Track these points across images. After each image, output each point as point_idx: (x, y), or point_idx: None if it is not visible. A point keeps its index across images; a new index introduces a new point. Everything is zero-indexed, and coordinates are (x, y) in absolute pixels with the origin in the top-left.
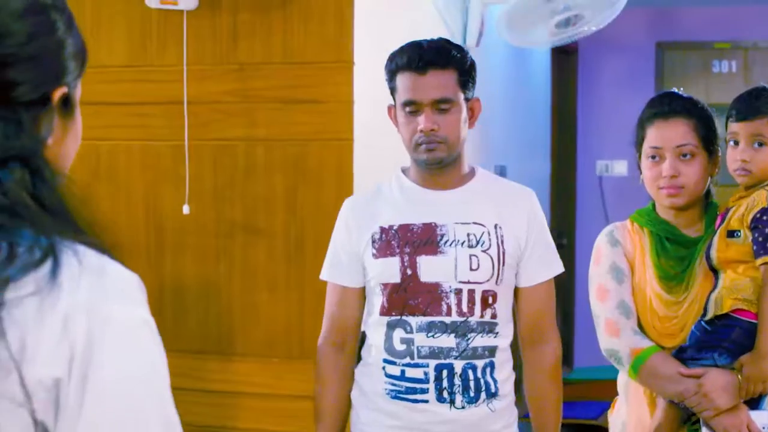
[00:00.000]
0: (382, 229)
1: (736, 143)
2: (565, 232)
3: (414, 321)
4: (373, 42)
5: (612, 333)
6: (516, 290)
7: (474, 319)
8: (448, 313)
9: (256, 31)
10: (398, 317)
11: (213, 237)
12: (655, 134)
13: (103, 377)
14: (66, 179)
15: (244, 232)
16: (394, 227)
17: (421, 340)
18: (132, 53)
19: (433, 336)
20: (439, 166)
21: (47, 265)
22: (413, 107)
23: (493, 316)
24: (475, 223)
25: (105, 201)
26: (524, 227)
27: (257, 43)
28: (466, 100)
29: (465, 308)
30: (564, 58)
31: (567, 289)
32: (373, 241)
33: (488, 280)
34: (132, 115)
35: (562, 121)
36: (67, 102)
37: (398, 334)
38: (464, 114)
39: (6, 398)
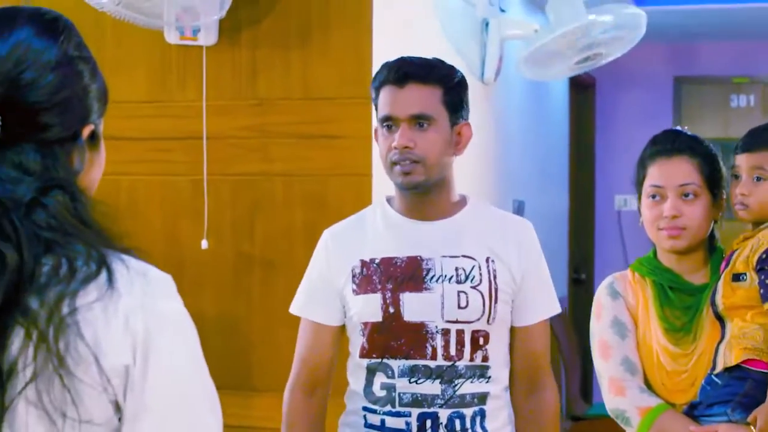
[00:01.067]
0: (363, 263)
1: (738, 177)
2: (584, 266)
3: (396, 364)
4: None
5: (617, 392)
6: (510, 330)
7: (462, 363)
8: (433, 357)
9: (275, 67)
10: (379, 360)
11: (232, 272)
12: (656, 172)
13: (159, 359)
14: (96, 202)
15: (263, 267)
16: (376, 261)
17: (402, 386)
18: (152, 89)
19: (416, 381)
20: (418, 191)
21: (103, 275)
22: (390, 122)
23: (485, 358)
24: (464, 256)
25: (124, 235)
26: (519, 261)
27: (276, 78)
28: (453, 123)
29: (453, 351)
30: (582, 92)
31: (586, 323)
32: (354, 276)
33: (479, 319)
34: (151, 150)
35: (580, 155)
36: (93, 136)
37: (379, 378)
38: (447, 136)
39: (90, 385)
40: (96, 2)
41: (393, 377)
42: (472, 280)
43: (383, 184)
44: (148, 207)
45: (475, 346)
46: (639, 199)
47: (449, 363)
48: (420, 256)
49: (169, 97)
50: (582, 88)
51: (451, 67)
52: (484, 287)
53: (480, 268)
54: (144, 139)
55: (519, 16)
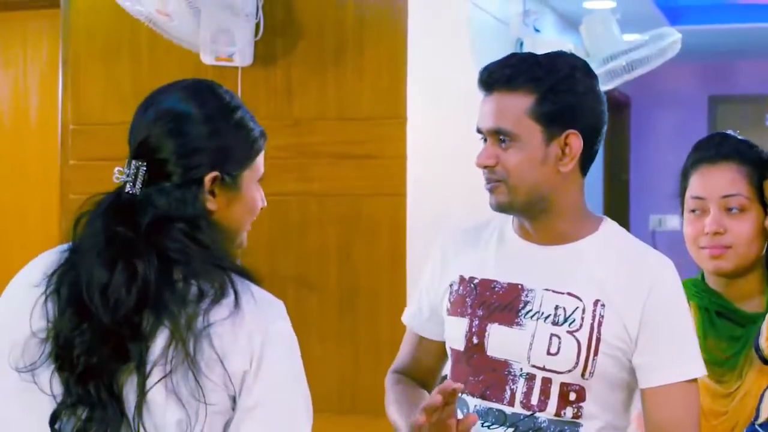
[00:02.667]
0: (462, 280)
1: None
2: None
3: (472, 403)
4: (426, 97)
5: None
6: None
7: (544, 416)
8: (511, 402)
9: (310, 87)
10: (459, 395)
11: (266, 290)
12: (698, 182)
13: (269, 367)
14: (225, 233)
15: (297, 285)
16: (476, 280)
17: (475, 428)
18: None
19: (488, 426)
20: (511, 213)
21: (231, 297)
22: (481, 136)
23: (576, 416)
24: (569, 294)
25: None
26: (640, 309)
27: (311, 98)
28: (551, 136)
29: (534, 400)
30: (617, 111)
31: None
32: (451, 293)
33: (570, 371)
34: None
35: (614, 175)
36: (223, 181)
37: (457, 415)
38: (537, 153)
39: (215, 382)
40: (137, 11)
41: None
42: (570, 323)
43: (418, 204)
44: None
45: (564, 401)
46: (682, 214)
47: (528, 413)
48: (522, 285)
49: None
50: (617, 107)
51: (557, 66)
52: (582, 335)
53: (584, 311)
54: None
55: (553, 36)
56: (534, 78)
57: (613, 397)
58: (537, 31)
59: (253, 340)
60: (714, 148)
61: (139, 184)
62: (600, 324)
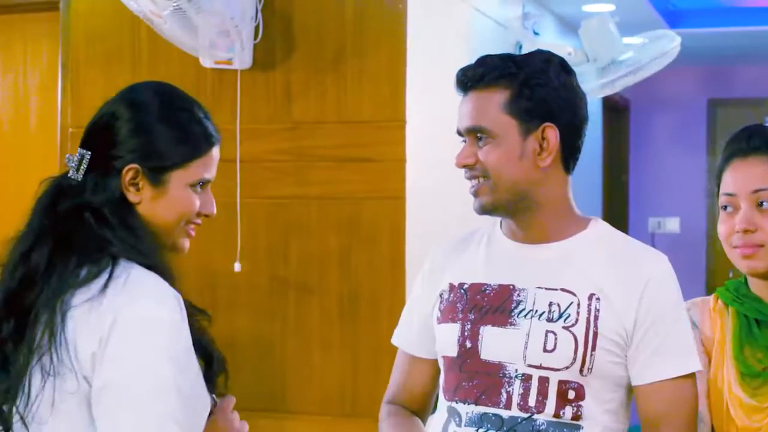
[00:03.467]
0: (451, 287)
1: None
2: None
3: (464, 410)
4: (426, 101)
5: None
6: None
7: (543, 418)
8: (507, 405)
9: (309, 91)
10: (450, 403)
11: (266, 295)
12: (729, 178)
13: (115, 348)
14: (152, 229)
15: (297, 290)
16: (465, 286)
17: None
18: None
19: None
20: (496, 215)
21: (102, 280)
22: (462, 138)
23: (576, 416)
24: (563, 290)
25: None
26: (638, 304)
27: (311, 102)
28: (528, 130)
29: (532, 401)
30: (616, 114)
31: None
32: (441, 301)
33: (567, 368)
34: None
35: (613, 177)
36: (147, 175)
37: (449, 425)
38: (515, 148)
39: (67, 364)
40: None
41: (460, 425)
42: (566, 319)
43: (418, 207)
44: None
45: (562, 400)
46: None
47: (525, 415)
48: (513, 285)
49: None
50: (616, 110)
51: (531, 61)
52: (579, 329)
53: (579, 305)
54: None
55: (552, 39)
56: (507, 73)
57: (610, 396)
58: (536, 34)
59: (104, 321)
60: (745, 141)
61: (81, 171)
62: (596, 318)
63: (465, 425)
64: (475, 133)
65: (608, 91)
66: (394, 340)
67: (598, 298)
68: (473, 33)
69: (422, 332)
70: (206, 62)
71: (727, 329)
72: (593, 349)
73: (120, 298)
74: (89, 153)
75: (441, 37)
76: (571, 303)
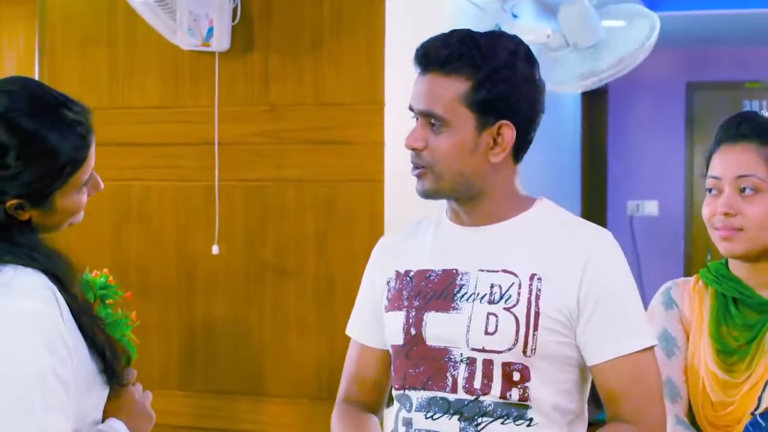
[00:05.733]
0: (398, 275)
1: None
2: None
3: (414, 396)
4: (405, 84)
5: None
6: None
7: (489, 399)
8: (453, 389)
9: (287, 73)
10: (401, 391)
11: (243, 278)
12: (717, 161)
13: None
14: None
15: (275, 273)
16: (411, 273)
17: (418, 421)
18: (164, 95)
19: (431, 417)
20: (434, 198)
21: None
22: (413, 114)
23: (523, 398)
24: (504, 271)
25: (136, 240)
26: (580, 282)
27: (288, 84)
28: (484, 125)
29: (477, 384)
30: (594, 98)
31: None
32: (389, 290)
33: (509, 349)
34: (163, 156)
35: (592, 161)
36: (39, 202)
37: (400, 413)
38: (468, 142)
39: None
40: None
41: (411, 411)
42: (506, 300)
43: (396, 190)
44: (159, 212)
45: (508, 382)
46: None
47: (471, 398)
48: (456, 270)
49: (181, 103)
50: (594, 94)
51: (497, 51)
52: (519, 310)
53: (520, 286)
54: (156, 145)
55: (531, 22)
56: (471, 63)
57: (561, 376)
58: (515, 17)
59: None
60: (735, 127)
61: None
62: (538, 298)
63: (415, 410)
64: (428, 118)
65: (590, 86)
66: (348, 330)
67: (539, 278)
68: (452, 15)
69: (372, 321)
70: (184, 44)
71: (706, 308)
72: (535, 329)
73: None
74: None
75: (419, 20)
76: (512, 284)
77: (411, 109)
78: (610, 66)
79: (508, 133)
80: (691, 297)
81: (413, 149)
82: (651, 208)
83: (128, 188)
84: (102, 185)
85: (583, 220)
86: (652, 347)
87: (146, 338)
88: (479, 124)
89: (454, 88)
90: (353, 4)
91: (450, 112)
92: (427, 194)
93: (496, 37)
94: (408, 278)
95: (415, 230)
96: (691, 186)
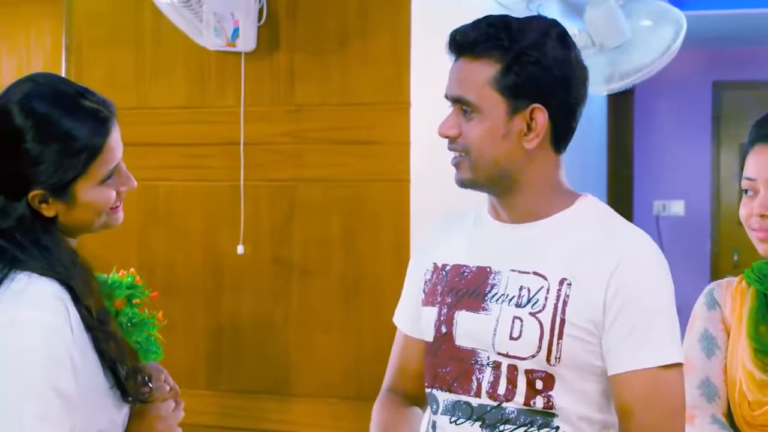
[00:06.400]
0: (435, 268)
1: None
2: None
3: (441, 398)
4: (430, 83)
5: (686, 418)
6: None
7: (513, 406)
8: (477, 393)
9: (312, 73)
10: (429, 389)
11: (270, 277)
12: (751, 162)
13: None
14: (76, 230)
15: (300, 273)
16: (447, 267)
17: (443, 424)
18: (190, 95)
19: (455, 422)
20: (471, 188)
21: None
22: (449, 103)
23: (548, 406)
24: (535, 273)
25: (162, 240)
26: (604, 285)
27: (314, 84)
28: (515, 109)
29: (501, 389)
30: (620, 98)
31: None
32: (426, 282)
33: (533, 356)
34: (189, 155)
35: (618, 160)
36: (60, 193)
37: (428, 415)
38: (499, 127)
39: None
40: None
41: (437, 413)
42: (533, 304)
43: (422, 190)
44: (185, 212)
45: (532, 389)
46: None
47: (494, 403)
48: (490, 268)
49: (207, 103)
50: (620, 93)
51: (527, 33)
52: (545, 316)
53: (548, 290)
54: (182, 145)
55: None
56: (499, 46)
57: (588, 386)
58: None
59: None
60: (767, 128)
61: None
62: (565, 304)
63: (441, 413)
64: (460, 104)
65: (616, 89)
66: (394, 319)
67: (569, 283)
68: (477, 14)
69: (414, 311)
70: (210, 44)
71: (746, 308)
72: (560, 337)
73: (0, 305)
74: None
75: (445, 19)
76: (541, 288)
77: (446, 97)
78: (637, 68)
79: (541, 117)
80: (733, 297)
81: (446, 137)
82: (677, 207)
83: (154, 188)
84: (134, 183)
85: (626, 221)
86: (677, 365)
87: (173, 338)
88: (510, 108)
89: (483, 71)
90: (379, 4)
91: (480, 96)
92: (464, 184)
93: (529, 19)
94: (444, 272)
95: (457, 222)
96: (718, 186)
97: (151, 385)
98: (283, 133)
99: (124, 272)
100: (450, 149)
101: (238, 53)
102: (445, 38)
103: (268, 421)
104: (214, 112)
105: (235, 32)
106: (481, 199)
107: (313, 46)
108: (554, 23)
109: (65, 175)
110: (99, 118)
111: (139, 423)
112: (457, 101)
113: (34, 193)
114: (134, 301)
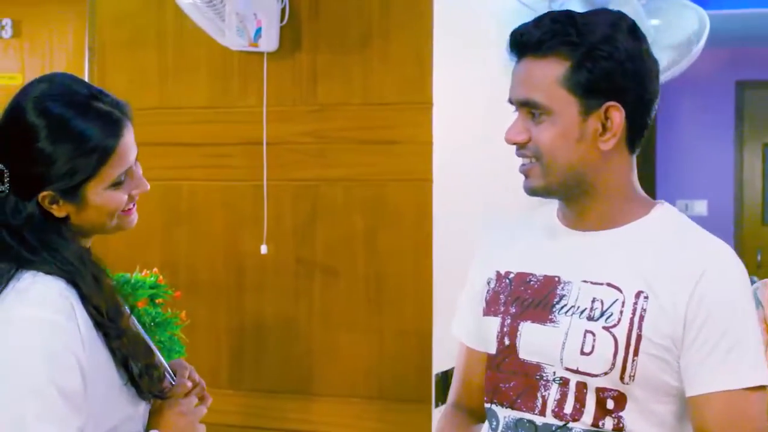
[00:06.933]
0: (498, 275)
1: None
2: None
3: (501, 414)
4: (453, 83)
5: None
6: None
7: (580, 427)
8: (542, 412)
9: (335, 73)
10: (489, 405)
11: (292, 277)
12: None
13: None
14: (87, 231)
15: (323, 272)
16: (511, 275)
17: None
18: (213, 95)
19: None
20: (543, 196)
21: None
22: (514, 108)
23: (618, 428)
24: (609, 284)
25: (185, 240)
26: (685, 300)
27: (336, 84)
28: (589, 109)
29: (568, 408)
30: None
31: None
32: (487, 290)
33: (605, 374)
34: (212, 155)
35: (641, 160)
36: (71, 195)
37: (485, 430)
38: (573, 128)
39: None
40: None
41: (496, 430)
42: (607, 318)
43: (445, 190)
44: (208, 212)
45: (602, 409)
46: None
47: (560, 423)
48: (558, 277)
49: (229, 103)
50: None
51: (595, 27)
52: (620, 331)
53: (623, 304)
54: (205, 145)
55: None
56: (567, 42)
57: (661, 407)
58: None
59: None
60: None
61: (6, 183)
62: (641, 319)
63: (501, 431)
64: (528, 107)
65: None
66: (453, 331)
67: (646, 297)
68: (500, 14)
69: (472, 322)
70: (233, 44)
71: None
72: (635, 354)
73: (2, 304)
74: (6, 169)
75: (468, 19)
76: (616, 300)
77: (510, 102)
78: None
79: (617, 115)
80: None
81: (514, 143)
82: (700, 207)
83: (177, 188)
84: (147, 186)
85: (706, 232)
86: (761, 387)
87: (195, 337)
88: (583, 107)
89: (551, 70)
90: (401, 4)
91: (549, 97)
92: (535, 191)
93: (595, 12)
94: (507, 280)
95: (520, 227)
96: (741, 185)
97: (171, 381)
98: (305, 132)
99: (147, 272)
100: (518, 155)
101: (261, 53)
102: (467, 38)
103: (291, 420)
104: (237, 112)
105: (258, 32)
106: (512, 200)
107: (335, 46)
108: (622, 15)
109: (76, 177)
110: (112, 120)
111: (158, 419)
112: (524, 104)
113: (45, 194)
114: (157, 301)
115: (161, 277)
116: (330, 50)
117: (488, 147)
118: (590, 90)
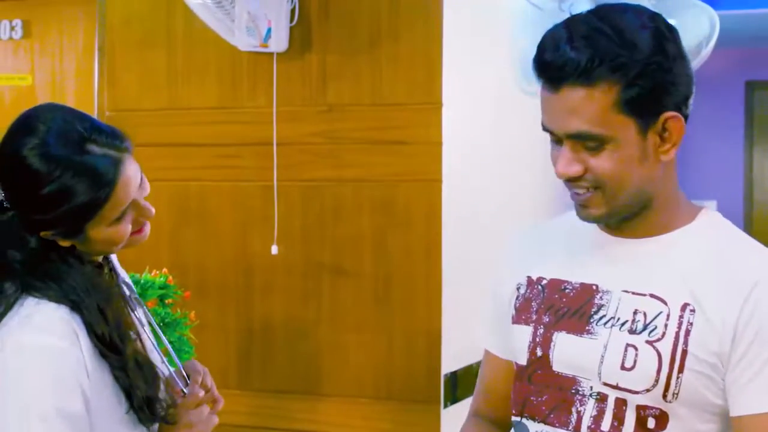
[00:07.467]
0: (529, 282)
1: None
2: None
3: (533, 428)
4: (462, 83)
5: None
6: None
7: None
8: (576, 428)
9: (344, 73)
10: (518, 417)
11: (301, 278)
12: None
13: (4, 373)
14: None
15: (332, 273)
16: (544, 281)
17: None
18: (222, 95)
19: None
20: (603, 222)
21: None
22: (552, 136)
23: None
24: (652, 295)
25: (195, 240)
26: (735, 315)
27: (346, 84)
28: (647, 125)
29: (606, 426)
30: None
31: None
32: (517, 297)
33: (648, 390)
34: (222, 156)
35: None
36: (72, 235)
37: None
38: (634, 149)
39: None
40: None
41: None
42: (651, 332)
43: (454, 190)
44: (218, 213)
45: (643, 429)
46: None
47: None
48: (596, 286)
49: (239, 104)
50: None
51: (640, 41)
52: (664, 346)
53: (668, 317)
54: (214, 145)
55: None
56: (617, 65)
57: (704, 427)
58: None
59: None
60: None
61: (5, 210)
62: (687, 333)
63: None
64: (581, 140)
65: None
66: (481, 341)
67: (692, 310)
68: (509, 15)
69: (499, 329)
70: (242, 45)
71: None
72: (680, 371)
73: (5, 329)
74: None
75: (477, 19)
76: (660, 313)
77: (546, 129)
78: None
79: (676, 125)
80: None
81: (570, 178)
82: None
83: (186, 188)
84: (152, 212)
85: (756, 241)
86: None
87: (205, 338)
88: (641, 126)
89: (602, 97)
90: (410, 4)
91: (606, 125)
92: (596, 220)
93: (620, 14)
94: (540, 287)
95: (552, 232)
96: (751, 186)
97: (183, 389)
98: (315, 133)
99: (157, 272)
100: (572, 187)
101: (270, 54)
102: (477, 38)
103: (299, 420)
104: (246, 113)
105: (268, 33)
106: (521, 200)
107: (345, 47)
108: (652, 14)
109: (73, 225)
110: (108, 163)
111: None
112: (574, 137)
113: (46, 233)
114: (167, 301)
115: (171, 277)
116: (340, 51)
117: (498, 147)
118: (645, 106)
